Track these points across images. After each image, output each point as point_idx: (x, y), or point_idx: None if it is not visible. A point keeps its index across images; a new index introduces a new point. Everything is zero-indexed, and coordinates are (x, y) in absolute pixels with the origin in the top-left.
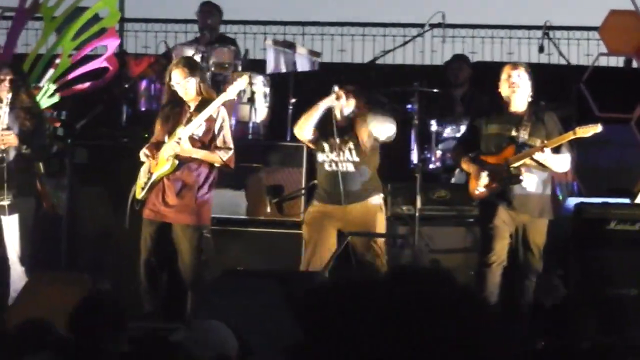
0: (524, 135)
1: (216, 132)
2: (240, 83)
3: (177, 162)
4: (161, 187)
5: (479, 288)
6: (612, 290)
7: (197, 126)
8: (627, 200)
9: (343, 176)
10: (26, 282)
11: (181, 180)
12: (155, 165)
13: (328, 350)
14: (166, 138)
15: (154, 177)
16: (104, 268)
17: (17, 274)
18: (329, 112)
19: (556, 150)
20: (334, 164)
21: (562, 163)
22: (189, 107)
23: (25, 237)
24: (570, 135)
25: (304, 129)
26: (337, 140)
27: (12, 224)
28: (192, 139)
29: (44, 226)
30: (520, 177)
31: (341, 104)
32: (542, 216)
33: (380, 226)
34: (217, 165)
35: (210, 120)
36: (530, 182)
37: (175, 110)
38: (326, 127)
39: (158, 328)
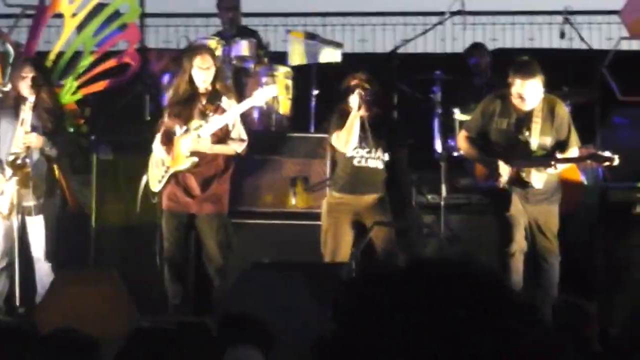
0: (534, 135)
1: (230, 126)
2: (268, 91)
3: (196, 159)
4: (181, 178)
5: (504, 277)
6: (638, 274)
7: (217, 127)
8: None
9: (369, 171)
10: (52, 279)
11: (204, 173)
12: (172, 160)
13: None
14: (177, 128)
15: (171, 172)
16: (130, 263)
17: (44, 271)
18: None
19: (565, 144)
20: (363, 160)
21: (572, 164)
22: (201, 98)
23: (50, 236)
24: (584, 158)
25: (349, 142)
26: (370, 139)
27: (37, 224)
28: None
29: (71, 223)
30: (530, 184)
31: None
32: (552, 202)
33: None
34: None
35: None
36: (539, 181)
37: (187, 101)
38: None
39: (185, 322)
